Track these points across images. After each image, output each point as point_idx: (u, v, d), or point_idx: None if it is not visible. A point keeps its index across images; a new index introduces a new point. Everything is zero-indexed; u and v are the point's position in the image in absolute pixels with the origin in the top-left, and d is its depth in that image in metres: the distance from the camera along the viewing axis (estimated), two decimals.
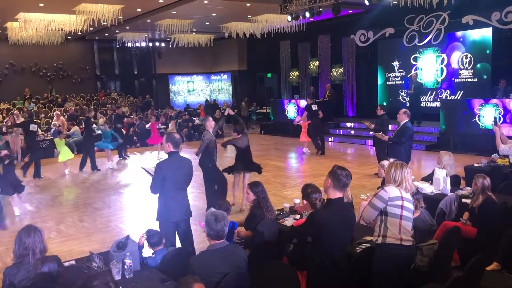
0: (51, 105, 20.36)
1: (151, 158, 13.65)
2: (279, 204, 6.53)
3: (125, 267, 3.60)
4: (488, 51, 13.54)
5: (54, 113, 16.85)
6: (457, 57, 14.32)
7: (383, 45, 16.37)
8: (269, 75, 23.83)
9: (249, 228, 4.61)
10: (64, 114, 17.93)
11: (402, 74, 16.02)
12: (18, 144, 12.85)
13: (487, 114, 11.78)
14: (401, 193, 3.56)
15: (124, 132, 14.06)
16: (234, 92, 26.03)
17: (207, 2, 14.36)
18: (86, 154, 12.01)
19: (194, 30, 19.20)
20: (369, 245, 3.99)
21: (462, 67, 14.20)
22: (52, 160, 13.13)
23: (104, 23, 14.47)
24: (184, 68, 26.11)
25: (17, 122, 14.91)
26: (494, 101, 11.82)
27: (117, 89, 24.67)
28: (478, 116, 12.03)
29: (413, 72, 15.24)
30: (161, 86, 26.06)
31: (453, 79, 14.54)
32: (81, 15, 13.99)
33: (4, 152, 7.74)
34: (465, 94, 14.00)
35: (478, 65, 13.77)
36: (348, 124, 16.42)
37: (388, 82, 16.59)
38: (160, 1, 14.38)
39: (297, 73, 21.02)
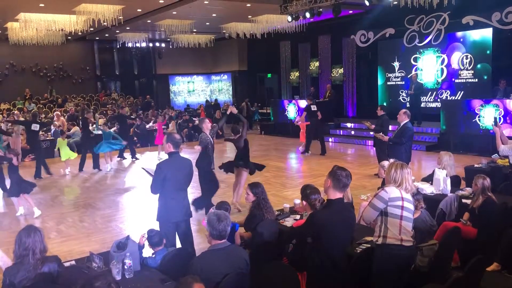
0: (52, 106, 20.37)
1: (152, 158, 13.65)
2: (279, 204, 6.53)
3: (125, 267, 3.60)
4: (488, 52, 13.54)
5: (55, 113, 16.86)
6: (457, 58, 14.31)
7: (383, 46, 16.38)
8: (269, 75, 23.84)
9: (249, 229, 4.61)
10: (65, 114, 17.94)
11: (403, 74, 16.02)
12: (19, 144, 12.85)
13: (487, 115, 11.78)
14: (402, 194, 3.56)
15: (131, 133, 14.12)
16: (234, 93, 26.03)
17: (207, 2, 14.37)
18: (85, 154, 12.02)
19: (195, 30, 19.21)
20: (369, 245, 3.98)
21: (462, 68, 14.20)
22: (52, 160, 13.13)
23: (104, 24, 14.48)
24: (185, 68, 26.12)
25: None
26: (495, 101, 11.81)
27: (118, 89, 24.69)
28: (479, 117, 12.03)
29: (413, 72, 15.24)
30: (161, 87, 26.07)
31: (453, 79, 14.54)
32: (82, 15, 14.00)
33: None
34: (465, 94, 13.99)
35: (479, 66, 13.77)
36: (349, 125, 16.43)
37: (388, 83, 16.59)
38: (160, 1, 14.39)
39: (297, 74, 21.03)
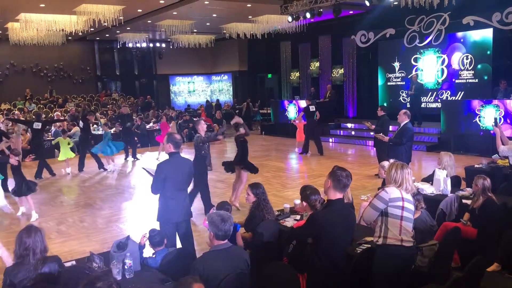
0: (52, 106, 20.38)
1: (152, 158, 13.66)
2: (279, 204, 6.53)
3: (126, 267, 3.61)
4: (488, 52, 13.54)
5: (55, 114, 16.87)
6: (457, 58, 14.31)
7: (383, 46, 16.38)
8: (269, 75, 23.84)
9: (249, 229, 4.62)
10: (65, 114, 17.95)
11: (403, 74, 16.02)
12: (19, 145, 12.85)
13: (487, 115, 11.78)
14: (402, 194, 3.56)
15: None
16: (234, 93, 26.04)
17: (207, 2, 14.37)
18: (83, 154, 12.03)
19: (195, 30, 19.22)
20: (369, 246, 3.99)
21: (462, 68, 14.20)
22: (53, 160, 13.13)
23: (104, 24, 14.49)
24: (185, 68, 26.13)
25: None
26: (495, 102, 11.81)
27: (118, 89, 24.70)
28: (479, 117, 12.03)
29: (413, 73, 15.23)
30: (161, 87, 26.08)
31: (453, 80, 14.54)
32: (82, 15, 14.01)
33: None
34: (466, 95, 13.99)
35: (479, 66, 13.77)
36: (349, 125, 16.43)
37: (388, 83, 16.59)
38: (160, 1, 14.39)
39: (297, 74, 21.03)
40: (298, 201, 5.31)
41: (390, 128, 10.08)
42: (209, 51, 24.42)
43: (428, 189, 5.86)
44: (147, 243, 4.16)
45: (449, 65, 14.57)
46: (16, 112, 17.36)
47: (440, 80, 14.89)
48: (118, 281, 3.38)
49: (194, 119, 18.91)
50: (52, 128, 15.22)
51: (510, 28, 11.67)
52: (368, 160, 11.90)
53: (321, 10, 13.15)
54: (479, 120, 12.02)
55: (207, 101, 25.54)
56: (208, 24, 18.30)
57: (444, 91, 14.77)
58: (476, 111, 12.08)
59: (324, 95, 18.05)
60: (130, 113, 15.93)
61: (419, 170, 10.52)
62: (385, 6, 13.59)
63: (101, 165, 12.00)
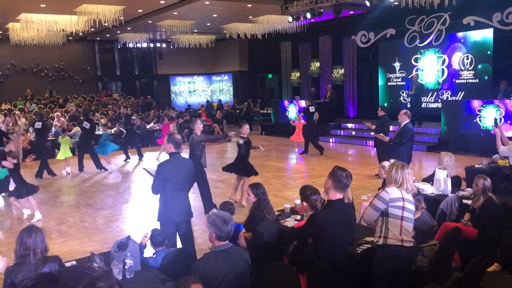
0: (53, 106, 20.39)
1: (152, 158, 13.66)
2: (279, 204, 6.54)
3: (126, 267, 3.61)
4: (489, 52, 13.54)
5: (55, 114, 16.88)
6: (458, 58, 14.31)
7: (384, 46, 16.38)
8: (270, 76, 23.85)
9: (250, 229, 4.62)
10: (65, 114, 17.96)
11: (403, 75, 16.02)
12: (20, 145, 12.86)
13: (488, 115, 11.78)
14: (402, 194, 3.56)
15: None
16: (235, 93, 26.05)
17: (208, 3, 14.37)
18: (83, 155, 12.03)
19: (195, 31, 19.22)
20: (370, 246, 3.99)
21: (463, 68, 14.19)
22: (53, 160, 13.13)
23: (105, 24, 14.50)
24: (185, 69, 26.13)
25: (19, 122, 14.98)
26: (495, 102, 11.81)
27: (118, 89, 24.71)
28: (479, 117, 12.03)
29: (414, 73, 15.23)
30: (162, 87, 26.09)
31: (454, 80, 14.53)
32: (83, 15, 14.02)
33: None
34: (466, 95, 13.99)
35: (479, 66, 13.76)
36: (349, 125, 16.43)
37: (389, 83, 16.59)
38: (161, 2, 14.40)
39: (298, 74, 21.03)
40: (298, 201, 5.31)
41: (391, 128, 10.09)
42: (209, 51, 24.43)
43: (428, 189, 5.86)
44: (148, 242, 4.16)
45: (449, 65, 14.57)
46: (17, 112, 17.36)
47: (440, 80, 14.88)
48: (119, 281, 3.39)
49: (194, 119, 18.94)
50: (53, 128, 15.22)
51: (511, 28, 11.67)
52: (368, 160, 11.90)
53: (321, 10, 13.16)
54: (480, 120, 12.02)
55: (208, 101, 25.55)
56: (208, 24, 18.31)
57: (444, 91, 14.76)
58: (477, 111, 12.08)
59: (324, 95, 18.05)
60: (130, 113, 15.97)
61: (419, 170, 10.52)
62: (386, 6, 13.59)
63: (99, 166, 11.95)
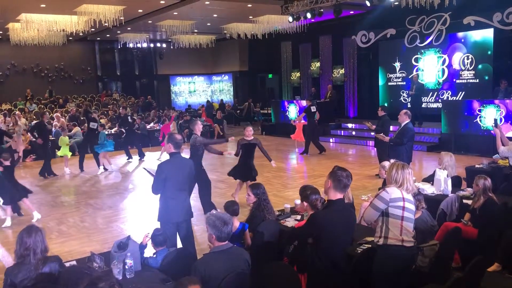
0: (53, 106, 20.40)
1: (153, 158, 13.66)
2: (280, 204, 6.54)
3: (126, 267, 3.61)
4: (489, 52, 13.53)
5: (55, 115, 16.88)
6: (458, 58, 14.31)
7: (384, 46, 16.37)
8: (270, 76, 23.85)
9: (250, 229, 4.61)
10: (65, 115, 17.96)
11: (403, 75, 16.01)
12: (20, 145, 12.85)
13: (488, 115, 11.77)
14: (403, 194, 3.56)
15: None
16: (235, 93, 26.05)
17: (208, 3, 14.37)
18: (84, 154, 12.03)
19: (195, 31, 19.22)
20: (370, 246, 3.99)
21: (463, 68, 14.19)
22: (53, 161, 13.13)
23: (105, 24, 14.50)
24: (185, 69, 26.14)
25: (19, 122, 14.98)
26: (496, 102, 11.81)
27: (119, 90, 24.71)
28: (479, 117, 12.02)
29: (414, 73, 15.23)
30: (162, 87, 26.10)
31: (454, 80, 14.53)
32: (83, 16, 14.03)
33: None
34: (466, 95, 13.98)
35: (480, 66, 13.76)
36: (349, 125, 16.43)
37: (389, 83, 16.59)
38: (161, 2, 14.40)
39: (298, 74, 21.03)
40: (298, 201, 5.30)
41: (391, 128, 10.08)
42: (209, 51, 24.42)
43: (428, 189, 5.86)
44: (149, 242, 4.16)
45: (449, 65, 14.57)
46: (17, 112, 17.37)
47: (440, 80, 14.88)
48: (119, 281, 3.39)
49: (195, 119, 18.95)
50: (53, 128, 15.22)
51: (511, 28, 11.66)
52: (368, 160, 11.89)
53: (321, 10, 13.16)
54: (480, 120, 12.02)
55: (208, 101, 25.56)
56: (208, 24, 18.31)
57: (444, 91, 14.76)
58: (477, 111, 12.07)
59: (324, 95, 18.05)
60: (130, 113, 15.96)
61: (419, 170, 10.52)
62: (386, 6, 13.58)
63: (99, 164, 11.96)
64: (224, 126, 18.38)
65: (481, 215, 4.91)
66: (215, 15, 16.55)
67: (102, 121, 16.35)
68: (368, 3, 12.31)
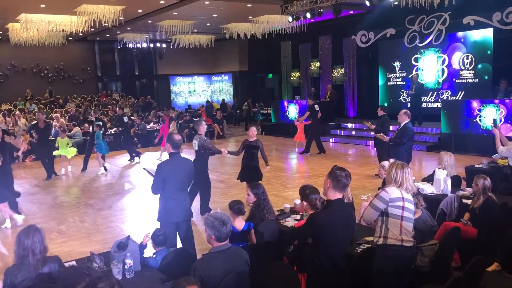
0: (52, 106, 20.40)
1: (152, 159, 13.66)
2: (279, 204, 6.54)
3: (126, 267, 3.61)
4: (489, 52, 13.53)
5: (54, 115, 16.87)
6: (458, 58, 14.31)
7: (384, 46, 16.38)
8: (270, 76, 23.85)
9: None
10: (65, 115, 17.96)
11: (403, 74, 16.02)
12: (20, 145, 12.83)
13: (488, 115, 11.77)
14: (402, 194, 3.56)
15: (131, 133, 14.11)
16: (235, 93, 26.05)
17: (208, 3, 14.37)
18: (89, 154, 12.03)
19: (195, 31, 19.22)
20: (369, 245, 3.99)
21: (463, 68, 14.19)
22: (54, 160, 13.15)
23: (105, 24, 14.49)
24: (185, 69, 26.14)
25: (19, 123, 14.98)
26: (495, 101, 11.81)
27: (118, 90, 24.71)
28: (479, 117, 12.03)
29: (414, 72, 15.23)
30: (162, 87, 26.09)
31: (454, 79, 14.53)
32: (82, 16, 14.01)
33: None
34: (466, 94, 13.99)
35: (479, 66, 13.76)
36: (349, 125, 16.43)
37: (389, 83, 16.59)
38: (161, 2, 14.40)
39: (298, 74, 21.03)
40: (298, 201, 5.31)
41: (391, 128, 10.09)
42: (209, 51, 24.41)
43: (428, 189, 5.86)
44: (149, 242, 4.16)
45: (449, 65, 14.57)
46: (17, 112, 17.37)
47: (440, 80, 14.88)
48: (119, 281, 3.39)
49: (195, 119, 18.95)
50: (53, 129, 15.21)
51: (511, 28, 11.67)
52: (368, 160, 11.90)
53: (321, 10, 13.15)
54: (480, 120, 12.02)
55: (208, 101, 25.56)
56: (208, 24, 18.31)
57: (444, 91, 14.76)
58: (477, 111, 12.07)
59: (324, 95, 18.05)
60: (130, 113, 15.95)
61: (419, 170, 10.52)
62: (386, 6, 13.59)
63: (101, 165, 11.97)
64: (224, 126, 18.39)
65: (480, 214, 4.91)
66: (214, 15, 16.55)
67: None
68: (367, 3, 12.31)
